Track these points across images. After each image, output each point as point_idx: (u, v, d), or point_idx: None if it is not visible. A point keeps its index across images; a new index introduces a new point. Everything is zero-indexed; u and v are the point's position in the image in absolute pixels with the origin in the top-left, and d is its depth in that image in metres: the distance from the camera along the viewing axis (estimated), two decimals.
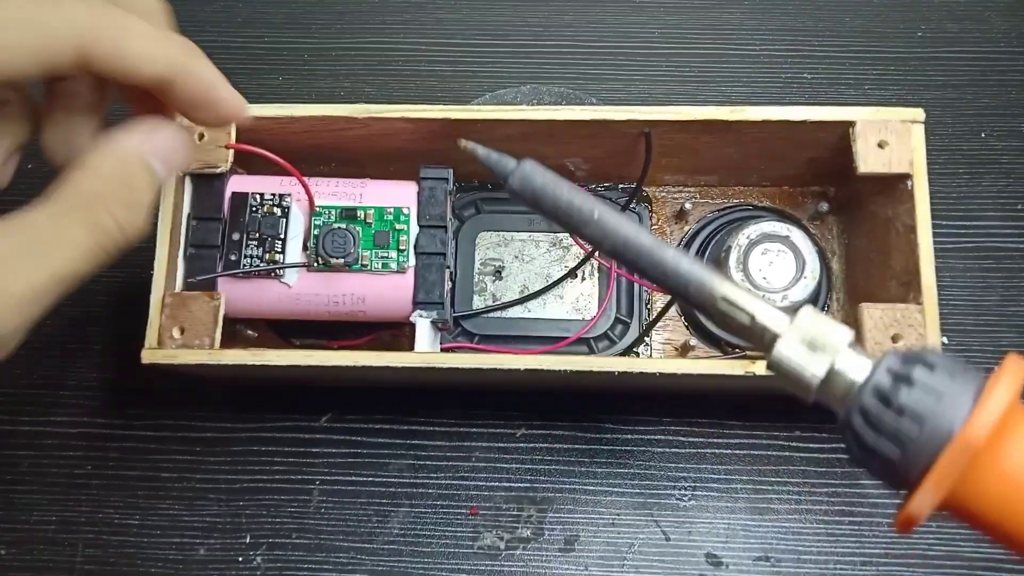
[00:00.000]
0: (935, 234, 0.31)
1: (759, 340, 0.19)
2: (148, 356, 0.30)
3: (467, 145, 0.24)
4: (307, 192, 0.32)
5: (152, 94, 0.25)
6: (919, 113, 0.32)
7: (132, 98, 0.26)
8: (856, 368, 0.18)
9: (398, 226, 0.33)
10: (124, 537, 0.37)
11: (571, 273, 0.38)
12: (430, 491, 0.38)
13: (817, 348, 0.18)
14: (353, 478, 0.38)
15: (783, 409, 0.38)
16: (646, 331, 0.36)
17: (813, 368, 0.18)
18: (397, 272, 0.33)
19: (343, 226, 0.33)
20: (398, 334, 0.37)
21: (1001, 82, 0.44)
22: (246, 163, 0.35)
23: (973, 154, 0.42)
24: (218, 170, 0.32)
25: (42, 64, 0.22)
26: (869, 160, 0.32)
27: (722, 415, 0.38)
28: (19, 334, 0.22)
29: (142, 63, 0.24)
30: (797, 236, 0.34)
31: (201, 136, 0.32)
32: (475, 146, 0.23)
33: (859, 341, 0.31)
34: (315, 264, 0.33)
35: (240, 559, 0.37)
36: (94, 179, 0.24)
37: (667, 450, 0.38)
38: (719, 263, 0.35)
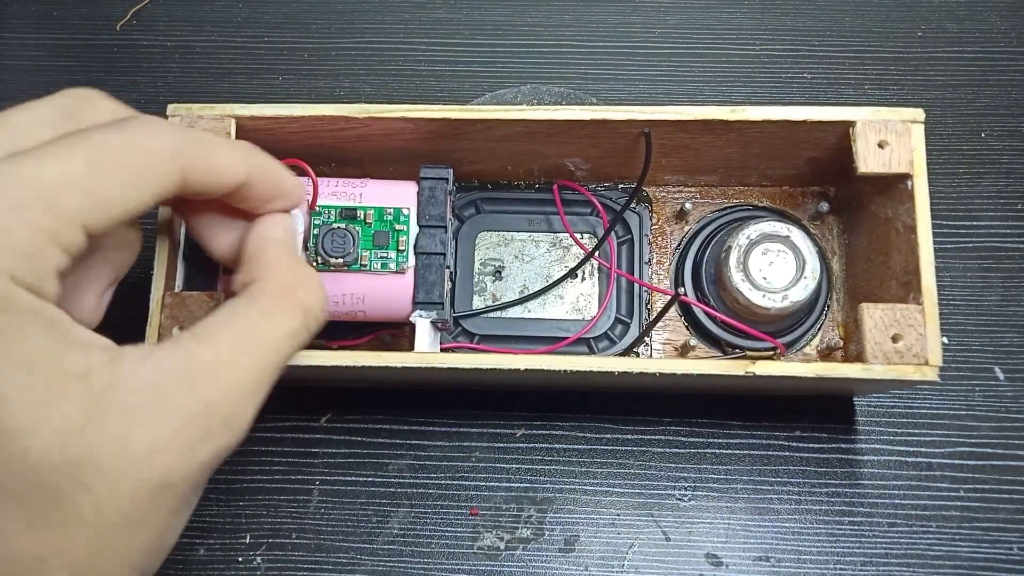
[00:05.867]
0: (935, 234, 0.31)
1: None
2: None
3: None
4: (315, 193, 0.32)
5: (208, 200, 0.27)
6: (919, 113, 0.32)
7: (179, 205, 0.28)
8: None
9: (398, 226, 0.33)
10: None
11: (571, 273, 0.38)
12: (430, 491, 0.38)
13: None
14: (353, 478, 0.38)
15: (783, 409, 0.38)
16: (646, 331, 0.36)
17: None
18: (397, 272, 0.33)
19: (343, 226, 0.33)
20: (398, 334, 0.37)
21: (1001, 82, 0.44)
22: None
23: (973, 154, 0.42)
24: None
25: (155, 196, 0.23)
26: (869, 160, 0.32)
27: (722, 415, 0.38)
28: (251, 420, 0.23)
29: (228, 173, 0.25)
30: (797, 236, 0.34)
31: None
32: None
33: (859, 341, 0.31)
34: (315, 264, 0.33)
35: (240, 559, 0.37)
36: (284, 271, 0.26)
37: (667, 450, 0.38)
38: (719, 263, 0.35)
